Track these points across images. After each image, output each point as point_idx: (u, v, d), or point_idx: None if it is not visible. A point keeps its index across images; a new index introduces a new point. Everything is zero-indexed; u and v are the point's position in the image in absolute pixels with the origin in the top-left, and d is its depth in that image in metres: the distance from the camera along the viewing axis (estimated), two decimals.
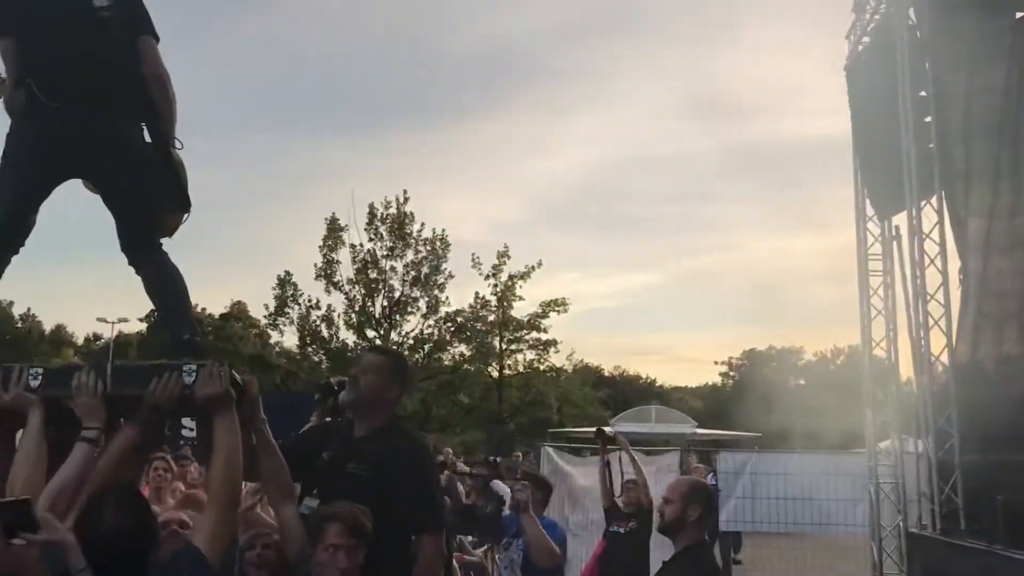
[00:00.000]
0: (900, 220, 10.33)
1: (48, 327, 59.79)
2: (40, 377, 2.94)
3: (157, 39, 3.39)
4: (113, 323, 40.99)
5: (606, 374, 66.08)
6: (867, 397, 11.26)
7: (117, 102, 3.23)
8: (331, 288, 33.33)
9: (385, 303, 33.59)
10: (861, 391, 11.54)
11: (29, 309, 55.45)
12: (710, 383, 75.51)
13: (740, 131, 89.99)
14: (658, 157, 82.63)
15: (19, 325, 53.40)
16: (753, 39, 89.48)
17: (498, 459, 5.71)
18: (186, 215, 3.43)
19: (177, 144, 3.37)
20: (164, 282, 3.31)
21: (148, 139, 3.36)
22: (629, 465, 7.76)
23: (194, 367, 2.90)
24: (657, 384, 70.80)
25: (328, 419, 3.99)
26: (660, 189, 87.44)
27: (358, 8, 71.96)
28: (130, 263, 3.32)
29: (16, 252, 3.24)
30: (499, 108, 78.48)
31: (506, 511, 5.57)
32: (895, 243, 10.52)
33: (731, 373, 73.87)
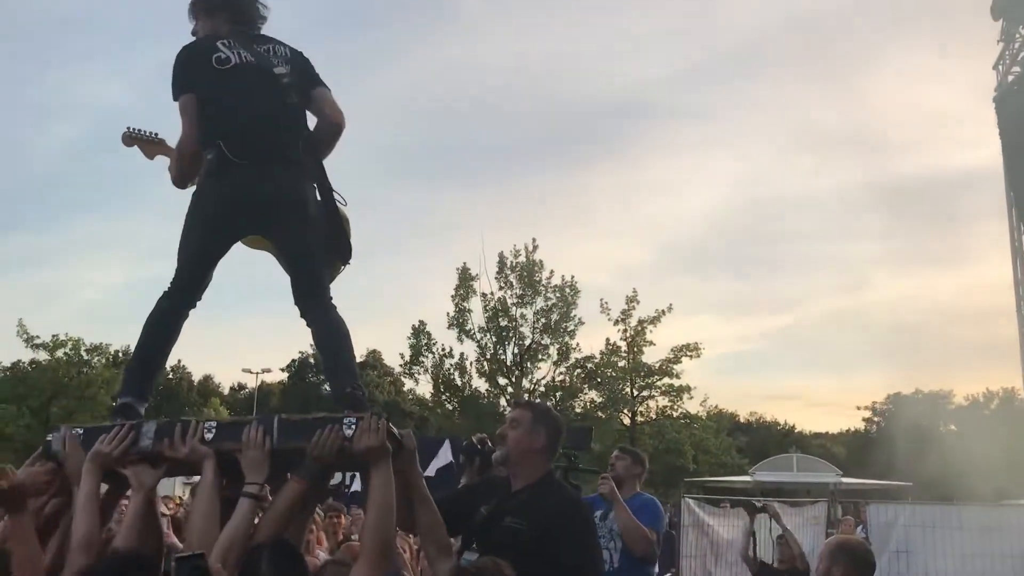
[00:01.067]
0: None
1: (197, 378, 62.76)
2: (214, 430, 3.03)
3: (329, 90, 3.60)
4: (257, 373, 42.68)
5: (742, 420, 64.31)
6: None
7: (297, 162, 3.40)
8: (463, 336, 33.85)
9: (516, 351, 33.79)
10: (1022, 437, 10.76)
11: (180, 361, 58.29)
12: (852, 429, 72.20)
13: (875, 166, 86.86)
14: (789, 196, 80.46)
15: (170, 376, 56.23)
16: (886, 73, 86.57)
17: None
18: (344, 266, 3.60)
19: (340, 199, 3.53)
20: (331, 333, 3.40)
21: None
22: (777, 519, 7.55)
23: (354, 420, 2.93)
24: (796, 430, 68.32)
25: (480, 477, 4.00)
26: (792, 228, 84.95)
27: (485, 60, 73.76)
28: (302, 315, 3.44)
29: (194, 307, 3.42)
30: (624, 152, 78.46)
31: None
32: None
33: (875, 418, 70.45)
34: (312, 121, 3.58)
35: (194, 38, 3.60)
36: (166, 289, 3.39)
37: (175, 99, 3.42)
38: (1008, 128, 10.27)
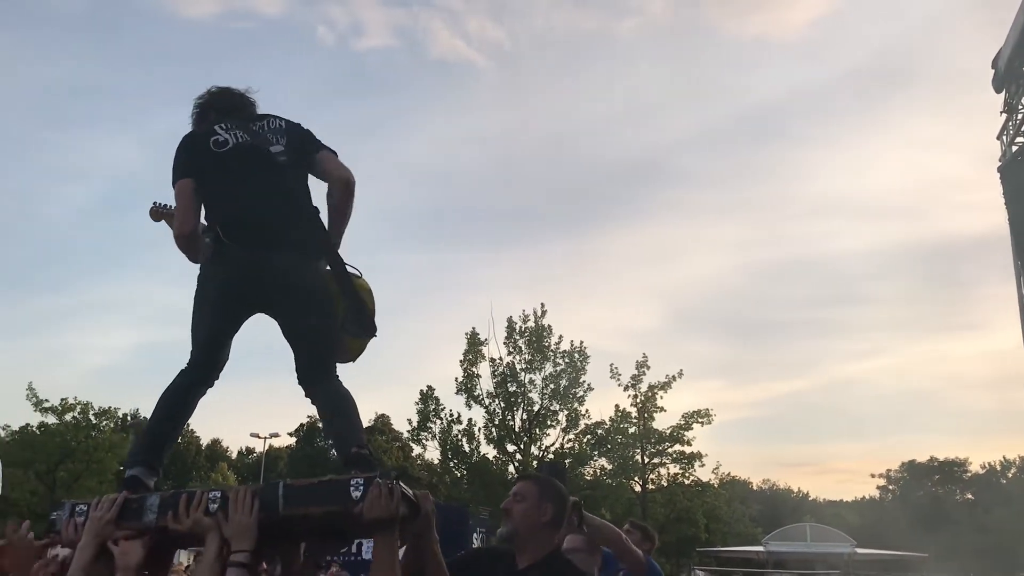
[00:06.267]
0: None
1: (205, 441, 62.45)
2: (218, 501, 2.96)
3: (333, 152, 3.61)
4: (265, 438, 42.27)
5: (754, 488, 63.36)
6: None
7: (298, 242, 3.39)
8: (472, 402, 33.62)
9: (525, 416, 33.54)
10: None
11: (188, 425, 58.16)
12: (867, 497, 71.23)
13: (885, 230, 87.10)
14: (799, 260, 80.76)
15: (179, 440, 56.02)
16: (893, 140, 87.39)
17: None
18: (370, 339, 3.57)
19: (355, 271, 3.52)
20: (337, 401, 3.38)
21: (327, 268, 3.50)
22: None
23: (361, 481, 2.86)
24: (810, 498, 67.27)
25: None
26: (803, 293, 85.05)
27: (493, 126, 74.74)
28: (306, 394, 3.44)
29: (211, 386, 3.43)
30: (632, 216, 79.01)
31: None
32: None
33: (890, 486, 69.41)
34: (322, 186, 3.57)
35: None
36: (184, 367, 3.39)
37: (173, 184, 3.44)
38: (1013, 197, 10.35)
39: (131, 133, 76.56)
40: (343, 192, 3.52)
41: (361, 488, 2.84)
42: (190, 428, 57.85)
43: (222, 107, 3.68)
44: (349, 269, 3.53)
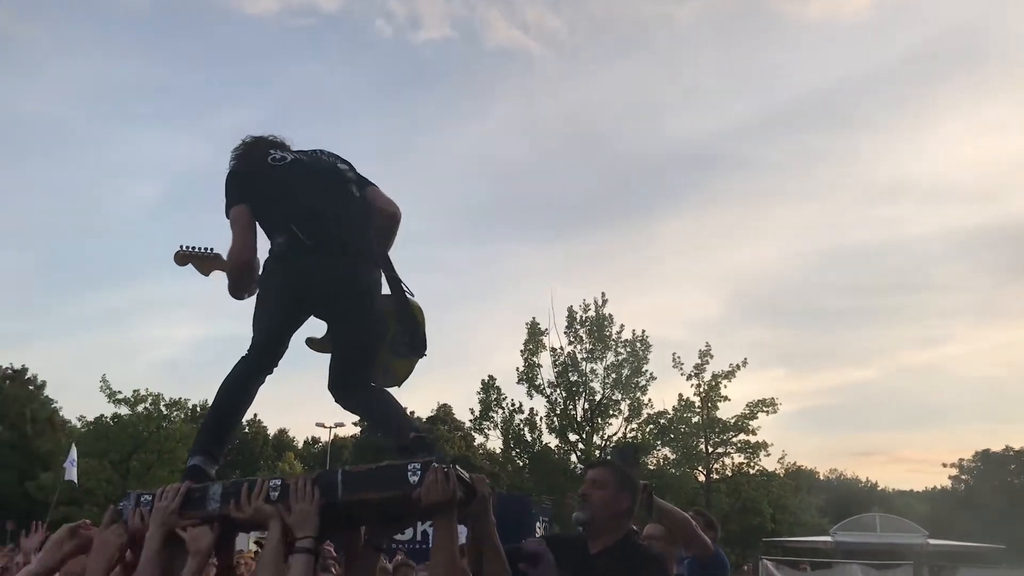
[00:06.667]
0: None
1: (272, 431, 63.67)
2: (279, 489, 3.00)
3: (377, 187, 3.69)
4: (330, 428, 42.97)
5: (821, 477, 62.35)
6: None
7: (365, 251, 3.45)
8: (533, 392, 33.65)
9: (586, 406, 33.44)
10: None
11: (256, 415, 59.27)
12: (939, 487, 69.51)
13: (954, 215, 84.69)
14: (864, 246, 78.85)
15: (246, 431, 57.14)
16: (961, 122, 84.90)
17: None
18: (419, 359, 3.63)
19: (408, 291, 3.57)
20: (384, 401, 3.44)
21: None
22: None
23: (418, 466, 2.88)
24: (879, 488, 65.99)
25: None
26: (869, 280, 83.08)
27: (552, 114, 74.54)
28: (342, 397, 3.49)
29: (271, 373, 3.49)
30: (695, 203, 78.16)
31: None
32: None
33: (962, 476, 67.70)
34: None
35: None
36: (244, 353, 3.43)
37: (227, 214, 3.46)
38: None
39: (196, 130, 78.13)
40: (388, 227, 3.62)
41: (418, 473, 2.86)
42: (257, 419, 59.18)
43: (265, 143, 3.72)
44: (404, 287, 3.58)
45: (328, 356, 3.57)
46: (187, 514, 3.06)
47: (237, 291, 3.54)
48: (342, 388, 3.47)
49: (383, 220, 3.61)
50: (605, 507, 3.30)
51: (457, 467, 2.94)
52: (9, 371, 50.39)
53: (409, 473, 2.87)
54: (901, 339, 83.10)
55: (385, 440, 3.32)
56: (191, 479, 3.23)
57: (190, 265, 3.64)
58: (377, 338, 3.49)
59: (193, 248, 3.66)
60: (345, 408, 3.54)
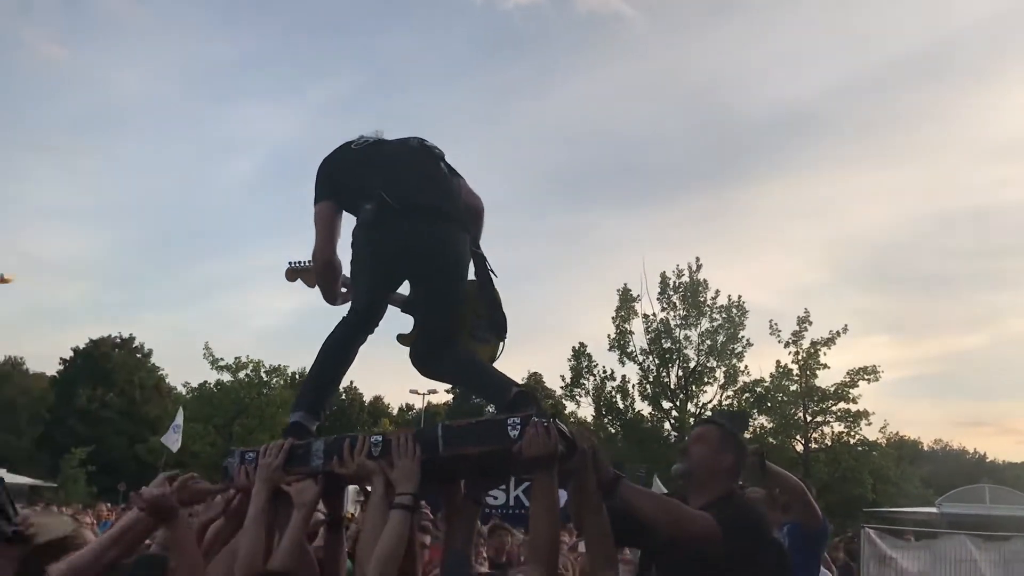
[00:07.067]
0: None
1: (368, 398, 64.98)
2: (380, 445, 3.02)
3: (463, 179, 3.66)
4: (423, 395, 43.66)
5: (925, 448, 60.48)
6: None
7: (457, 218, 3.42)
8: (625, 359, 33.46)
9: (680, 373, 33.08)
10: None
11: (352, 382, 60.57)
12: None
13: None
14: (971, 208, 75.60)
15: (343, 397, 58.45)
16: None
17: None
18: (502, 343, 3.60)
19: (492, 271, 3.53)
20: (475, 360, 3.43)
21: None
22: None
23: (518, 420, 2.85)
24: (988, 459, 63.62)
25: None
26: (976, 244, 79.67)
27: (643, 79, 73.32)
28: (424, 370, 3.48)
29: (371, 333, 3.51)
30: (791, 167, 75.95)
31: None
32: None
33: None
34: None
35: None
36: (345, 316, 3.48)
37: (314, 204, 3.46)
38: None
39: (289, 104, 79.68)
40: (476, 219, 3.62)
41: (518, 427, 2.85)
42: (353, 385, 60.45)
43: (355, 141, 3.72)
44: (488, 267, 3.55)
45: None
46: (291, 470, 3.11)
47: (326, 294, 3.58)
48: (429, 356, 3.45)
49: (468, 213, 3.57)
50: (704, 462, 3.27)
51: (558, 421, 2.92)
52: (118, 340, 52.61)
53: (509, 427, 2.86)
54: (1012, 305, 79.35)
55: (482, 402, 3.26)
56: (293, 435, 3.26)
57: (299, 280, 3.88)
58: (463, 299, 3.47)
59: (299, 263, 3.87)
60: (434, 377, 3.57)
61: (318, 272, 3.49)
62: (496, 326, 3.55)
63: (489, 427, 2.93)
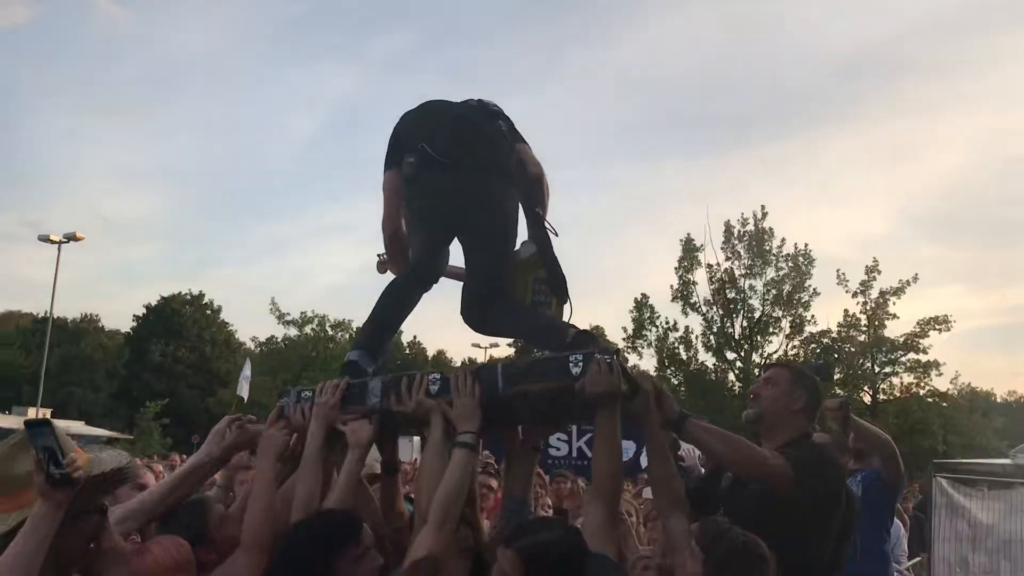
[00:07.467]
0: None
1: (431, 353, 65.71)
2: (439, 383, 2.96)
3: (528, 145, 3.56)
4: (485, 348, 43.99)
5: (998, 400, 58.99)
6: None
7: (504, 171, 3.34)
8: (688, 310, 33.14)
9: (745, 323, 32.68)
10: None
11: (415, 337, 61.23)
12: None
13: None
14: None
15: (407, 351, 59.13)
16: None
17: None
18: (565, 306, 3.46)
19: (552, 229, 3.43)
20: (524, 316, 3.36)
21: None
22: None
23: (580, 357, 2.77)
24: None
25: None
26: None
27: (704, 27, 71.59)
28: (476, 325, 3.40)
29: (428, 288, 3.51)
30: (857, 114, 73.80)
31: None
32: None
33: None
34: None
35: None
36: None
37: (383, 175, 3.43)
38: None
39: (347, 62, 79.71)
40: (536, 184, 3.49)
41: (580, 364, 2.77)
42: (416, 339, 61.07)
43: None
44: (548, 226, 3.45)
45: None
46: (348, 408, 3.07)
47: (393, 267, 3.57)
48: (480, 310, 3.37)
49: (528, 179, 3.48)
50: (776, 404, 3.20)
51: (620, 359, 2.85)
52: (188, 297, 53.83)
53: (571, 364, 2.79)
54: None
55: (542, 351, 3.19)
56: (349, 375, 3.24)
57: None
58: (509, 249, 3.40)
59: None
60: (487, 332, 3.54)
61: (385, 245, 3.48)
62: (557, 287, 3.46)
63: (551, 364, 2.86)
